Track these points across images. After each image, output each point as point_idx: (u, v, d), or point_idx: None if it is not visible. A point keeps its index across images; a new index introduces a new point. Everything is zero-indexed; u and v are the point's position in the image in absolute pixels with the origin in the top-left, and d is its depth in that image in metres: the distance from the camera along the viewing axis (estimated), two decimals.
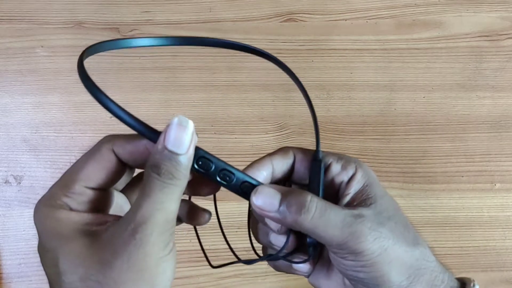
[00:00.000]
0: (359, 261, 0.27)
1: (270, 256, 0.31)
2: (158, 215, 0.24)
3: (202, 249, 0.34)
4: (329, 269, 0.32)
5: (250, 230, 0.34)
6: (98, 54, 0.28)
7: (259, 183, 0.28)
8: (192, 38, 0.35)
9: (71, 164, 0.27)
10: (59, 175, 0.27)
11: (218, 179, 0.27)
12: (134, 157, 0.27)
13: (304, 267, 0.31)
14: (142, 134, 0.25)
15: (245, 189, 0.28)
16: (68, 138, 0.58)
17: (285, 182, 0.32)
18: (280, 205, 0.27)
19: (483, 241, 0.59)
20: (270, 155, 0.30)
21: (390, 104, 0.61)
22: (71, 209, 0.25)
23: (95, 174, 0.26)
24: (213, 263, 0.33)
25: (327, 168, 0.30)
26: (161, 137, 0.24)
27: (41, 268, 0.27)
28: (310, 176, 0.30)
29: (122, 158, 0.27)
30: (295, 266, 0.31)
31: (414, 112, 0.61)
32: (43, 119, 0.59)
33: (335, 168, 0.30)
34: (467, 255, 0.59)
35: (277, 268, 0.34)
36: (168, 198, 0.24)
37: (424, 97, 0.61)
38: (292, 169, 0.31)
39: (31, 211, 0.26)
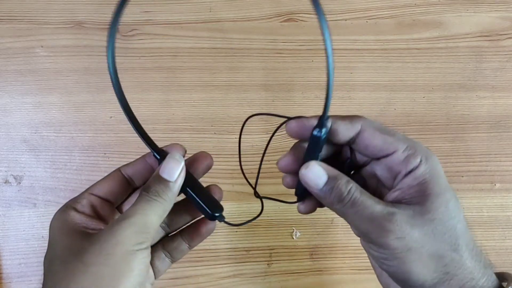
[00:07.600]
0: (381, 253, 0.29)
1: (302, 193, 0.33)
2: (137, 217, 0.28)
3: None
4: None
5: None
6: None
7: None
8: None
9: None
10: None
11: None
12: (137, 173, 0.33)
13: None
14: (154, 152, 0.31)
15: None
16: (68, 138, 0.58)
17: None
18: (324, 186, 0.29)
19: (483, 241, 0.59)
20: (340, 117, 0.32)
21: (390, 104, 0.61)
22: (75, 210, 0.31)
23: (101, 185, 0.33)
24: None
25: (390, 155, 0.30)
26: (159, 167, 0.30)
27: (41, 268, 0.28)
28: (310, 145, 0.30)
29: (127, 174, 0.33)
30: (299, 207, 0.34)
31: (414, 112, 0.61)
32: (43, 119, 0.59)
33: (398, 157, 0.30)
34: None
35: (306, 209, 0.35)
36: (151, 210, 0.29)
37: (424, 97, 0.61)
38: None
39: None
